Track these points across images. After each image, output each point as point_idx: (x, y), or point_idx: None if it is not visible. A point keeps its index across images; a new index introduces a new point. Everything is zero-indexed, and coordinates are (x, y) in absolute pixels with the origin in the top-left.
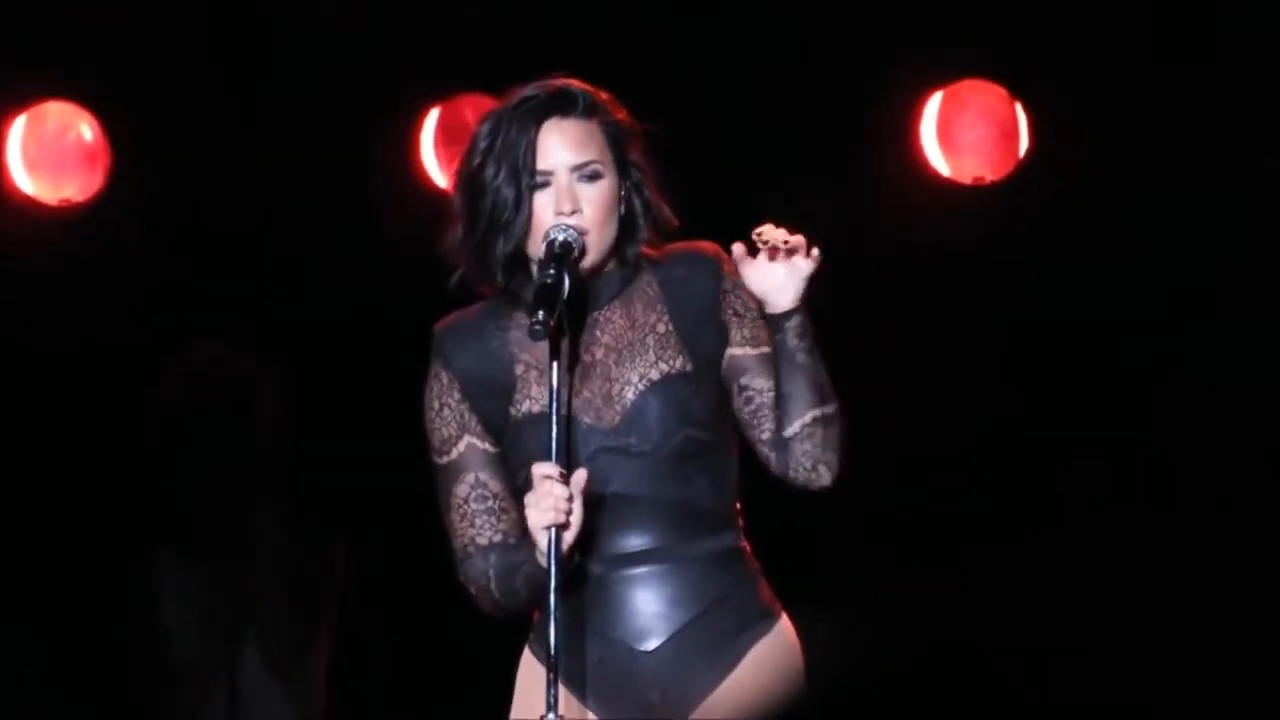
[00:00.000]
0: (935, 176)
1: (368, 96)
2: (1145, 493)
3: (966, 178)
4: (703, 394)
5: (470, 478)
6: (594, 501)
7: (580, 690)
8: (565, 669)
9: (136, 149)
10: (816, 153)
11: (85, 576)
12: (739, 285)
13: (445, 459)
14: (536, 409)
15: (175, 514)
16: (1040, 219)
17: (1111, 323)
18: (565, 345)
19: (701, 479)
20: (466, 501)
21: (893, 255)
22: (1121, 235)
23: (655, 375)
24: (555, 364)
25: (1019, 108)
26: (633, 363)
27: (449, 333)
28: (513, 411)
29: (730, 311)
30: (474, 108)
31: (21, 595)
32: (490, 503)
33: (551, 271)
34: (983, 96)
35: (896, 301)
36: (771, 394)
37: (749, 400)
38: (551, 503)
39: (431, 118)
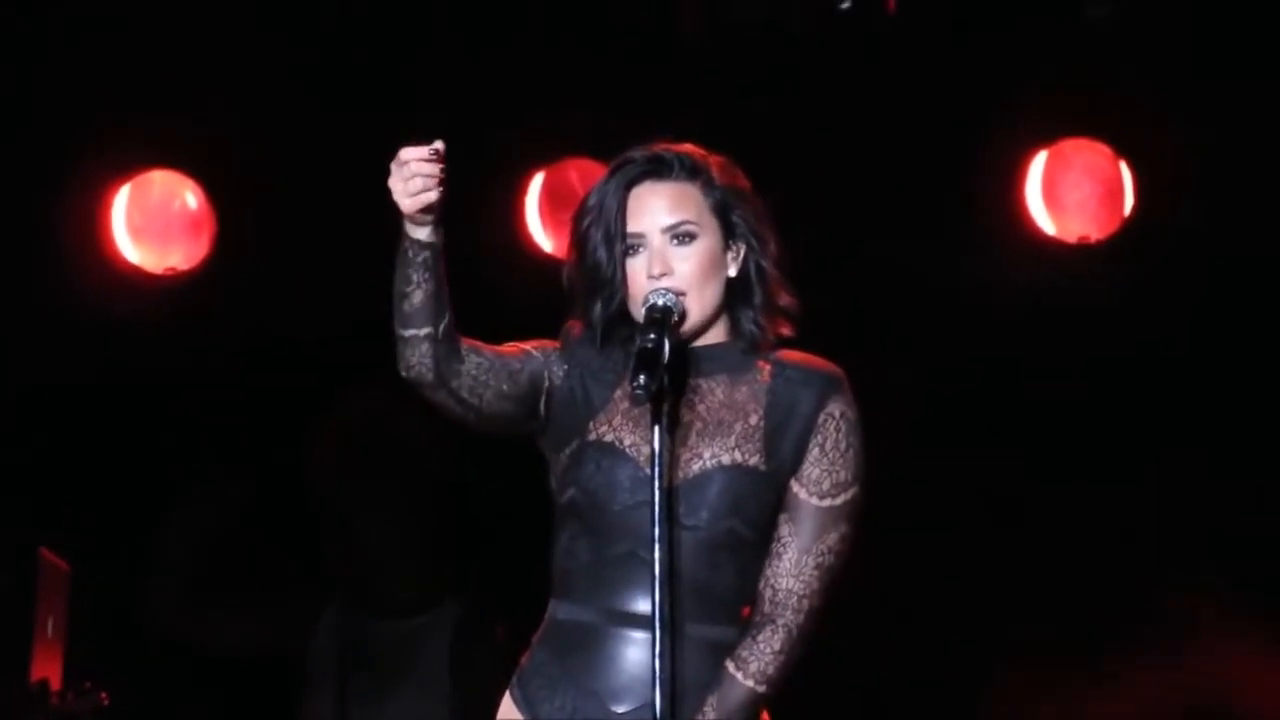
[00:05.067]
0: (1040, 235)
1: (473, 160)
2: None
3: (1071, 237)
4: (762, 495)
5: (524, 354)
6: (615, 555)
7: None
8: (540, 716)
9: (241, 217)
10: (921, 211)
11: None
12: (845, 419)
13: (520, 342)
14: (609, 438)
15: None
16: (1145, 278)
17: (1219, 382)
18: (666, 406)
19: (729, 569)
20: (503, 354)
21: (997, 314)
22: (1228, 295)
23: (726, 460)
24: (657, 428)
25: (1124, 166)
26: (711, 440)
27: (582, 331)
28: (590, 429)
29: (818, 441)
30: (579, 171)
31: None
32: (503, 369)
33: (652, 336)
34: (1088, 155)
35: (1001, 360)
36: (790, 548)
37: (775, 539)
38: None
39: (536, 181)
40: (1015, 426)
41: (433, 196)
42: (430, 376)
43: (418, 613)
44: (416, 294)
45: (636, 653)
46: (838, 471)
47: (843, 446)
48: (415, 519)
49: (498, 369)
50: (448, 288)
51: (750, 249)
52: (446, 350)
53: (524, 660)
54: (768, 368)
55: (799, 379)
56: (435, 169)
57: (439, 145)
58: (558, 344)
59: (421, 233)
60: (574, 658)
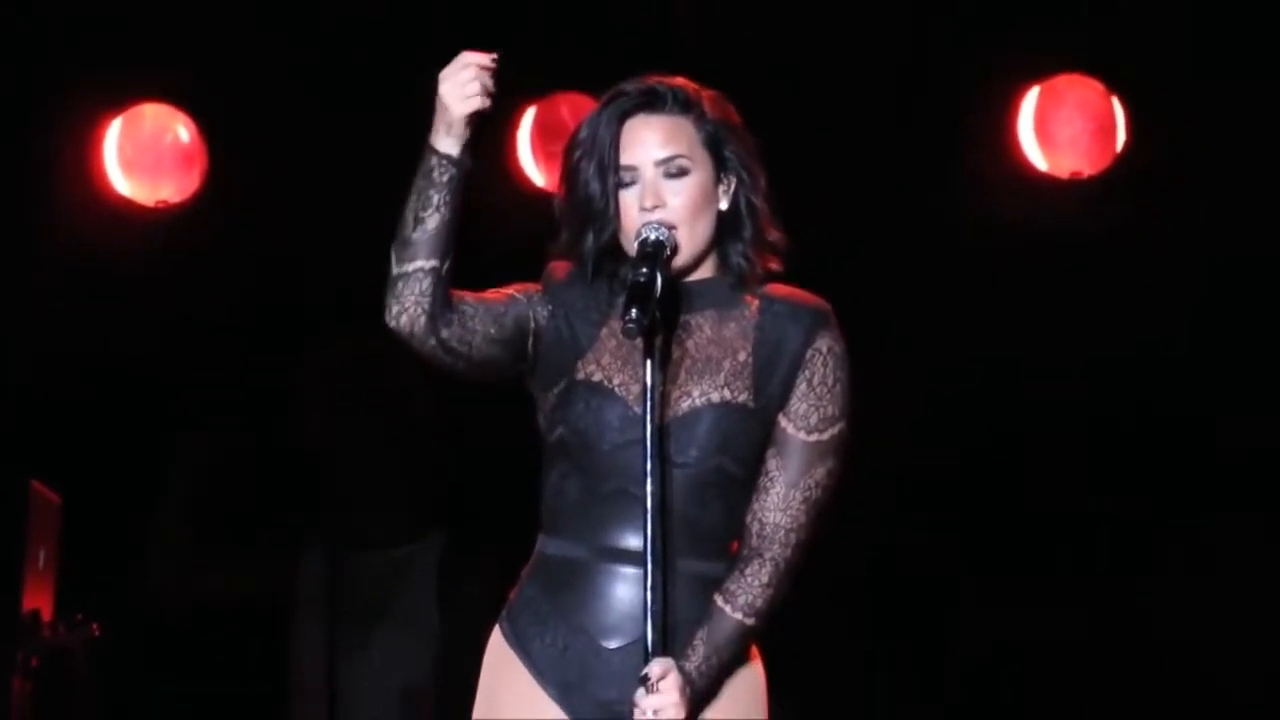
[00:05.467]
0: (1032, 171)
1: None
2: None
3: (1064, 173)
4: (751, 432)
5: (508, 298)
6: (605, 492)
7: (542, 676)
8: (530, 652)
9: (233, 150)
10: (914, 148)
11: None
12: (833, 355)
13: (501, 287)
14: (598, 377)
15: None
16: (1137, 214)
17: (1209, 317)
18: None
19: (718, 506)
20: (486, 300)
21: (989, 250)
22: (1219, 230)
23: (715, 398)
24: (649, 362)
25: (1116, 102)
26: (700, 377)
27: (565, 272)
28: (578, 368)
29: (806, 375)
30: (571, 106)
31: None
32: (488, 314)
33: (644, 270)
34: (1080, 91)
35: (992, 296)
36: (777, 483)
37: (762, 474)
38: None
39: (528, 116)
40: (1009, 362)
41: (486, 103)
42: (423, 321)
43: (404, 544)
44: (433, 219)
45: (626, 588)
46: (825, 406)
47: (830, 381)
48: (403, 453)
49: (483, 315)
50: (461, 223)
51: (741, 183)
52: (444, 293)
53: (513, 596)
54: (756, 303)
55: (787, 314)
56: (490, 78)
57: (496, 55)
58: (539, 286)
59: (455, 147)
60: (564, 593)
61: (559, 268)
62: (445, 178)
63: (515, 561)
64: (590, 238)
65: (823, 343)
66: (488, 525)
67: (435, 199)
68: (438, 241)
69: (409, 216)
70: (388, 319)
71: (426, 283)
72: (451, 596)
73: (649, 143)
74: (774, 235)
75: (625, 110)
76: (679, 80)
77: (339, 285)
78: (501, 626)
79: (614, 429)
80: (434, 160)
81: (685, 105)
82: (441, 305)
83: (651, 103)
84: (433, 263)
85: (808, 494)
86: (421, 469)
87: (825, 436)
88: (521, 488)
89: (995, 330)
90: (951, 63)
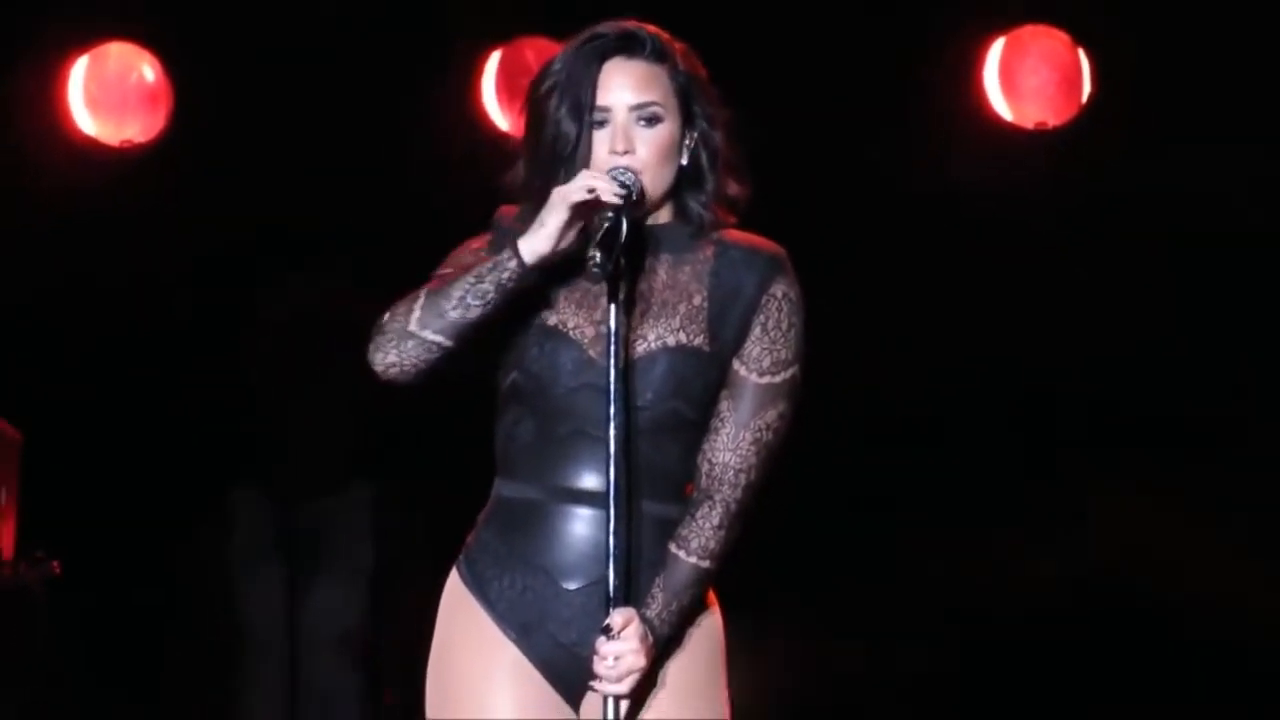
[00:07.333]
0: (997, 122)
1: (430, 39)
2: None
3: (1029, 123)
4: (707, 376)
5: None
6: (560, 435)
7: (501, 619)
8: (489, 594)
9: (198, 90)
10: (879, 98)
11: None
12: (788, 300)
13: (460, 247)
14: (552, 321)
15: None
16: (1102, 165)
17: (1175, 265)
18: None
19: (674, 449)
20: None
21: (954, 201)
22: (1184, 181)
23: (670, 341)
24: (614, 307)
25: (1081, 53)
26: (655, 321)
27: (513, 218)
28: (530, 313)
29: (760, 320)
30: (536, 51)
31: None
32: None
33: (610, 214)
34: (1045, 42)
35: (957, 246)
36: (727, 423)
37: (714, 415)
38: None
39: (493, 61)
40: (972, 314)
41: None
42: (409, 378)
43: (337, 491)
44: (476, 312)
45: (584, 529)
46: (779, 350)
47: (784, 326)
48: (340, 403)
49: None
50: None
51: (704, 138)
52: (441, 363)
53: (470, 539)
54: (711, 249)
55: (742, 260)
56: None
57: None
58: (488, 236)
59: (536, 260)
60: (521, 535)
61: (508, 213)
62: (511, 285)
63: (450, 507)
64: (560, 176)
65: (778, 288)
66: (423, 471)
67: (491, 297)
68: (468, 330)
69: (456, 293)
70: (376, 362)
71: (434, 356)
72: (387, 542)
73: (624, 87)
74: (734, 189)
75: (603, 51)
76: (654, 28)
77: (302, 227)
78: (459, 570)
79: (568, 372)
80: (514, 264)
81: (661, 54)
82: (431, 371)
83: (629, 46)
84: (450, 344)
85: (758, 435)
86: (356, 415)
87: (777, 379)
88: (457, 433)
89: (958, 281)
90: (916, 13)
